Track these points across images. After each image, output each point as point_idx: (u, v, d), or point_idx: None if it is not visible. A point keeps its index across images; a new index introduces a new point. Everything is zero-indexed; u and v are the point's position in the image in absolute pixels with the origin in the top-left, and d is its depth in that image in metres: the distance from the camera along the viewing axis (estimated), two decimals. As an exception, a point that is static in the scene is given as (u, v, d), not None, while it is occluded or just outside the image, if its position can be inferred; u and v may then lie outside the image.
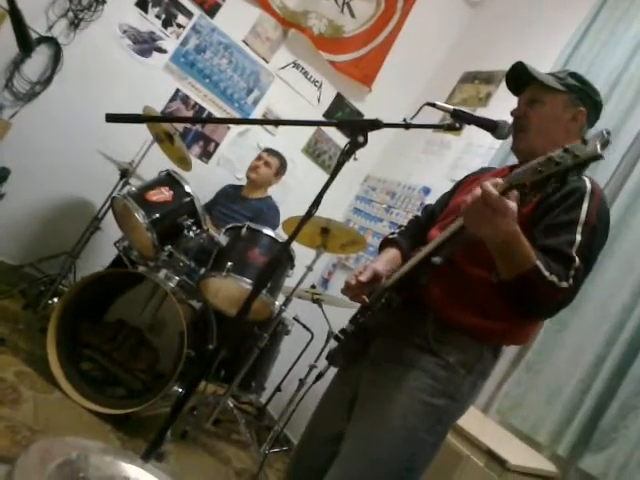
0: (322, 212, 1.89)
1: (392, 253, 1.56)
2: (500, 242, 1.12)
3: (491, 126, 1.42)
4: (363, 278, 1.39)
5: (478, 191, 1.05)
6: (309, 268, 2.85)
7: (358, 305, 1.49)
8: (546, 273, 1.13)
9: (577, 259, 1.19)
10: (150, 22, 3.52)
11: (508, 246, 1.12)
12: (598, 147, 0.93)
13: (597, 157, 0.94)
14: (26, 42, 1.38)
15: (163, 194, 2.72)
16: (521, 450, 2.19)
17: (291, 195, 3.96)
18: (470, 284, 1.31)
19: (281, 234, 2.91)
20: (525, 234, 1.12)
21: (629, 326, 2.15)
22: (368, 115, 4.18)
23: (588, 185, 1.29)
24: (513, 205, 1.04)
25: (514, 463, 1.84)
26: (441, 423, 1.33)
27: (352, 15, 4.05)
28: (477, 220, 1.08)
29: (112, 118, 1.25)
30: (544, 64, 2.94)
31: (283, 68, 3.97)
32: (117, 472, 0.44)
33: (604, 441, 2.05)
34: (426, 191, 3.66)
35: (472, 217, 1.09)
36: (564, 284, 1.16)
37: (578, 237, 1.21)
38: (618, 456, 1.98)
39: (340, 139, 4.13)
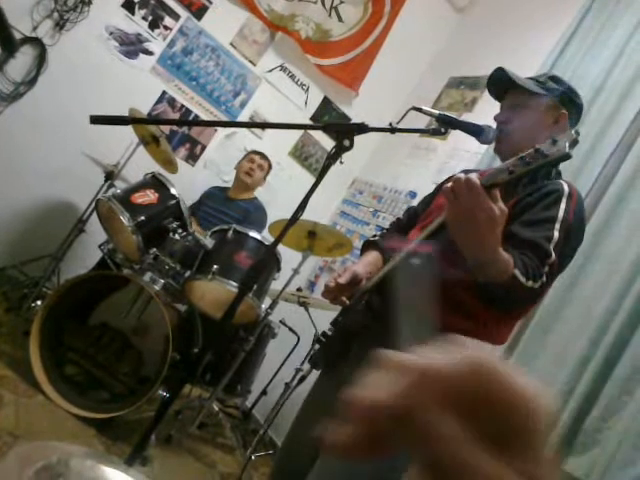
0: (309, 215, 1.89)
1: (373, 255, 1.57)
2: (477, 254, 1.10)
3: (476, 131, 1.44)
4: (342, 280, 1.39)
5: (461, 176, 1.03)
6: (295, 271, 2.85)
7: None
8: (523, 279, 1.14)
9: (553, 255, 1.21)
10: (137, 24, 3.50)
11: (485, 259, 1.10)
12: (567, 146, 0.95)
13: (565, 156, 0.95)
14: (9, 42, 1.37)
15: (148, 196, 2.71)
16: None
17: (278, 198, 3.95)
18: (447, 284, 1.32)
19: (268, 237, 2.90)
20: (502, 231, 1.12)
21: (612, 329, 2.17)
22: (355, 119, 4.19)
23: (565, 187, 1.32)
24: (498, 208, 1.02)
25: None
26: None
27: (339, 19, 4.07)
28: (461, 208, 1.04)
29: (96, 120, 1.24)
30: (529, 69, 2.97)
31: (270, 71, 3.98)
32: (99, 476, 0.44)
33: (587, 443, 2.07)
34: (412, 195, 3.67)
35: (456, 205, 1.05)
36: (538, 284, 1.17)
37: (556, 234, 1.23)
38: (601, 458, 1.99)
39: (327, 142, 4.13)
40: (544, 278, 1.19)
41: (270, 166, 3.65)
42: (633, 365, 2.08)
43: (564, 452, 2.14)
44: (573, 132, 0.96)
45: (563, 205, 1.27)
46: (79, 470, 0.42)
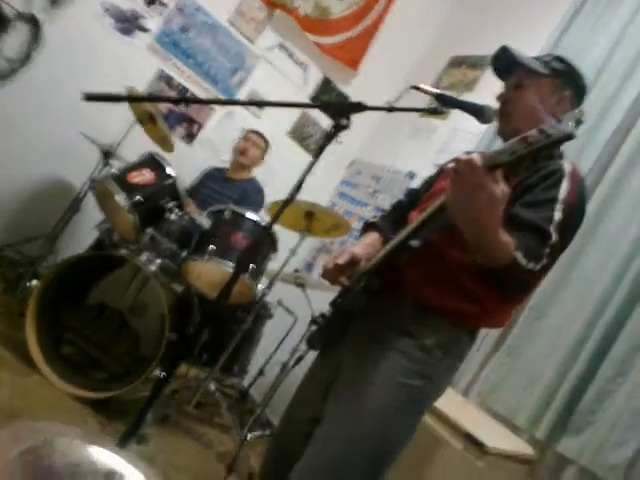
0: (307, 196, 1.87)
1: (372, 237, 1.56)
2: (479, 235, 1.10)
3: (475, 110, 1.41)
4: (341, 261, 1.39)
5: (464, 157, 1.02)
6: (292, 252, 2.84)
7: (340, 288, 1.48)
8: (524, 262, 1.13)
9: (554, 236, 1.19)
10: (132, 0, 3.44)
11: (486, 241, 1.10)
12: (571, 126, 0.93)
13: (570, 136, 0.93)
14: (0, 18, 1.34)
15: (145, 176, 2.68)
16: (500, 433, 2.22)
17: (276, 178, 3.92)
18: (448, 267, 1.31)
19: (266, 218, 2.89)
20: (503, 213, 1.10)
21: (608, 312, 2.18)
22: (354, 98, 4.13)
23: (568, 167, 1.30)
24: (499, 189, 1.01)
25: (492, 446, 1.86)
26: (417, 404, 1.34)
27: (339, -4, 4.00)
28: (463, 189, 1.04)
29: (90, 97, 1.21)
30: (531, 49, 2.92)
31: (269, 49, 3.92)
32: (84, 457, 0.43)
33: (581, 424, 2.08)
34: (412, 176, 3.65)
35: (458, 185, 1.05)
36: (539, 266, 1.16)
37: (557, 214, 1.21)
38: (594, 439, 2.01)
39: (326, 122, 4.09)
40: (544, 260, 1.17)
41: (267, 144, 3.62)
42: (629, 346, 2.09)
43: (558, 434, 2.16)
44: (578, 111, 0.95)
45: (565, 185, 1.26)
46: (65, 451, 0.42)
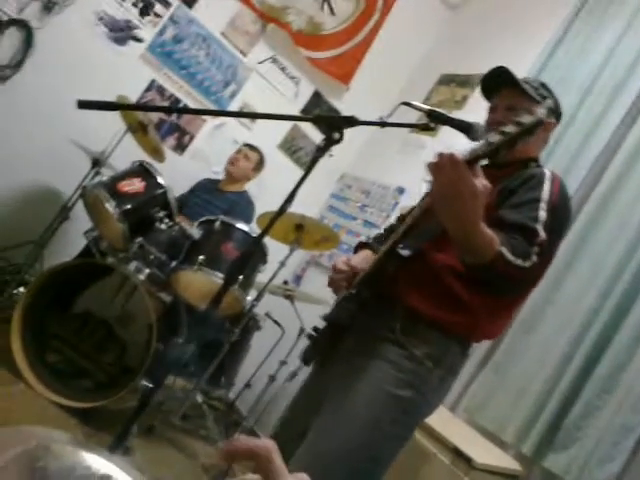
0: (297, 208, 1.88)
1: (366, 253, 1.57)
2: (461, 229, 1.11)
3: (465, 127, 1.43)
4: (354, 262, 1.40)
5: (444, 152, 1.07)
6: (282, 264, 2.84)
7: (329, 301, 1.49)
8: (511, 257, 1.14)
9: (542, 233, 1.21)
10: (127, 10, 3.46)
11: (469, 234, 1.11)
12: (541, 113, 1.01)
13: (540, 122, 1.00)
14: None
15: (135, 185, 2.68)
16: (487, 449, 2.22)
17: (266, 191, 3.93)
18: (437, 274, 1.32)
19: (255, 229, 2.89)
20: (487, 220, 1.12)
21: (594, 328, 2.20)
22: (345, 113, 4.17)
23: (547, 172, 1.35)
24: (480, 183, 1.04)
25: (480, 461, 1.86)
26: (407, 415, 1.33)
27: (332, 12, 4.05)
28: (444, 182, 1.07)
29: (84, 104, 1.22)
30: (520, 70, 2.97)
31: (261, 63, 3.95)
32: (79, 462, 0.43)
33: (567, 440, 2.09)
34: (400, 191, 3.67)
35: (440, 179, 1.08)
36: (528, 263, 1.17)
37: (542, 213, 1.24)
38: (580, 455, 2.02)
39: (316, 136, 4.12)
40: (534, 257, 1.18)
41: (261, 159, 3.63)
42: (613, 363, 2.11)
43: (545, 449, 2.16)
44: (550, 101, 1.01)
45: (546, 187, 1.29)
46: (59, 454, 0.42)
